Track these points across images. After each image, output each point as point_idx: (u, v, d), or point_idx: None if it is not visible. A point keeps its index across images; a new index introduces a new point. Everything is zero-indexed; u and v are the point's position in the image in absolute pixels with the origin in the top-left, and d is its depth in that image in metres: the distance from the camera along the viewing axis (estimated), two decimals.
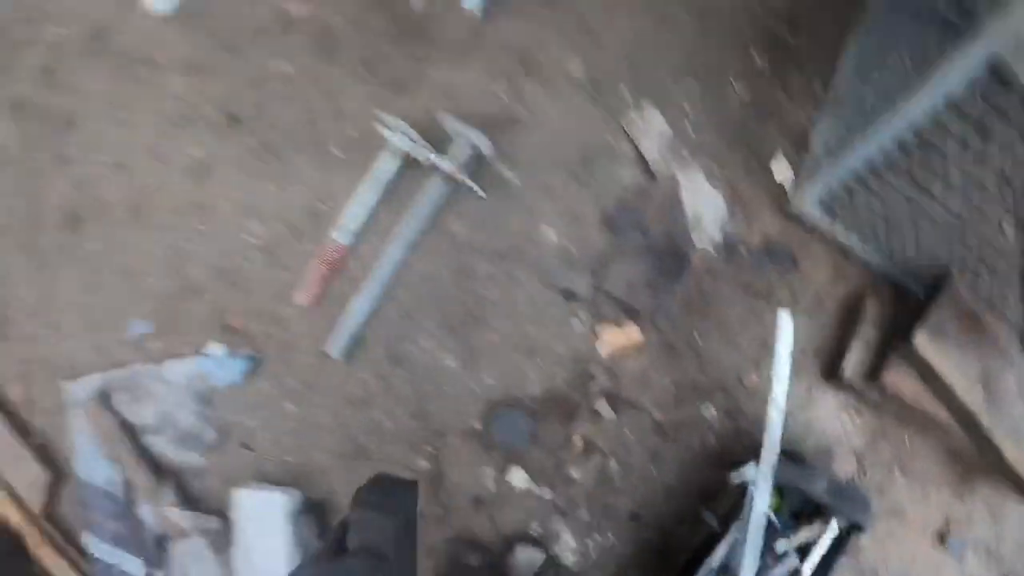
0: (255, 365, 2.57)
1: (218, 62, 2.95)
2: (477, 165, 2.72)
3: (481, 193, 2.71)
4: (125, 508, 2.48)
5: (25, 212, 2.87)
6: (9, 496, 2.53)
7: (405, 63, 2.88)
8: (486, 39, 2.91)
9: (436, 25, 2.92)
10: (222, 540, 2.48)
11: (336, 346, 2.58)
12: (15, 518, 2.51)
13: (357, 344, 2.62)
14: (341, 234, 2.65)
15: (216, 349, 2.60)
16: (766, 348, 2.83)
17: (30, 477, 2.53)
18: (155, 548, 2.50)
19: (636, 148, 2.94)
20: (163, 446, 2.57)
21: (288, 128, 2.83)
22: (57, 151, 2.94)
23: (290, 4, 2.91)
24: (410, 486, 1.30)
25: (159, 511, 2.47)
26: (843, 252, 2.98)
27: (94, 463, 2.49)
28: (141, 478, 2.48)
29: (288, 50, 2.90)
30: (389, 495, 1.23)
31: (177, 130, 2.89)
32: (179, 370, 2.60)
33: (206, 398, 2.59)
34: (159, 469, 2.54)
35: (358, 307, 2.60)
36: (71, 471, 2.52)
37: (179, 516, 2.46)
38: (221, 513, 2.51)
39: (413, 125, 2.59)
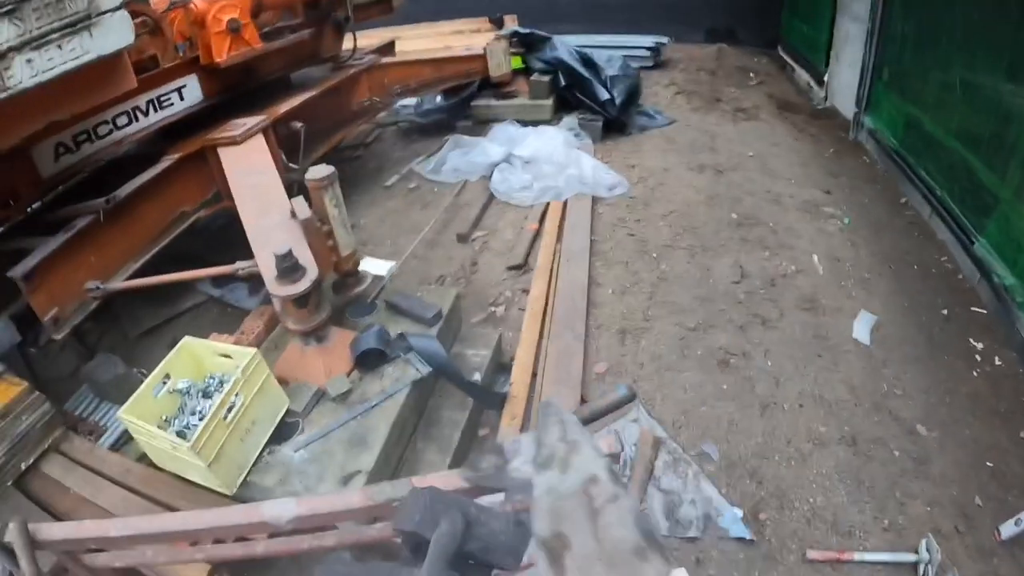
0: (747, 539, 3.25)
1: (861, 396, 4.05)
2: None
3: None
4: None
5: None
6: None
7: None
8: None
9: None
10: None
11: None
12: None
13: None
14: None
15: (737, 512, 3.37)
16: None
17: None
18: None
19: None
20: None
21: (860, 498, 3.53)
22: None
23: (920, 426, 3.85)
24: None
25: None
26: None
27: None
28: None
29: (913, 445, 3.74)
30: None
31: (818, 414, 4.00)
32: (710, 490, 3.45)
33: (710, 522, 3.33)
34: None
35: None
36: None
37: None
38: None
39: None
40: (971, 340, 4.48)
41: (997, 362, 4.29)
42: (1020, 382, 4.13)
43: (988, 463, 3.62)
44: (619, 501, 1.30)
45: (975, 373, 4.22)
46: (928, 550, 3.12)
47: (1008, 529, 3.24)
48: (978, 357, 4.34)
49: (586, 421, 1.62)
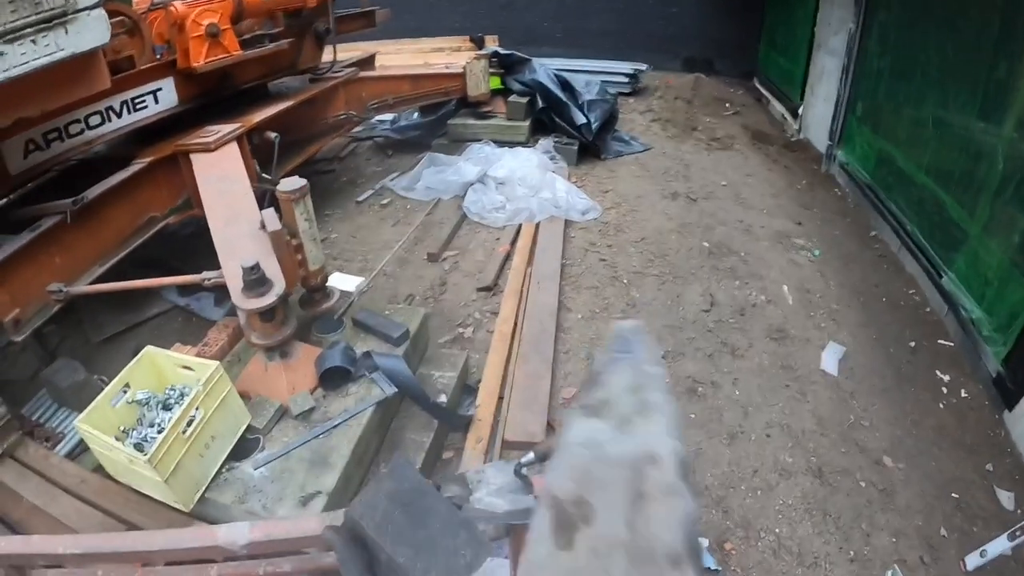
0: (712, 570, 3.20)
1: (828, 426, 4.03)
2: None
3: None
4: None
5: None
6: None
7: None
8: None
9: None
10: None
11: None
12: None
13: None
14: None
15: (703, 541, 3.32)
16: None
17: None
18: None
19: None
20: None
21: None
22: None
23: (886, 458, 3.86)
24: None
25: None
26: None
27: None
28: None
29: (879, 476, 3.73)
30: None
31: (785, 444, 3.99)
32: None
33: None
34: None
35: None
36: None
37: None
38: None
39: None
40: (938, 372, 4.53)
41: (963, 394, 4.33)
42: (986, 414, 4.17)
43: (953, 494, 3.63)
44: (675, 498, 1.05)
45: (941, 405, 4.25)
46: None
47: (973, 560, 3.25)
48: (944, 389, 4.38)
49: (549, 456, 1.52)
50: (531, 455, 1.49)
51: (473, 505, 1.43)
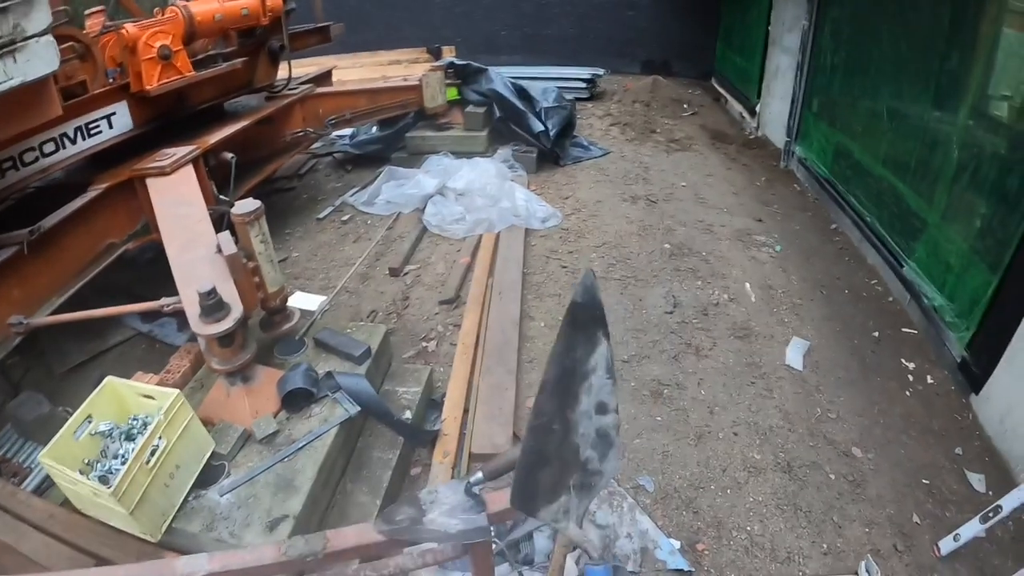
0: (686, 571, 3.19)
1: (796, 421, 4.04)
2: None
3: None
4: None
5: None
6: None
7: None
8: None
9: None
10: None
11: None
12: None
13: None
14: None
15: (674, 543, 3.32)
16: None
17: None
18: None
19: None
20: None
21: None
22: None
23: (855, 448, 3.88)
24: None
25: None
26: None
27: None
28: None
29: (848, 467, 3.75)
30: None
31: (753, 441, 4.01)
32: (647, 522, 3.40)
33: (648, 555, 3.25)
34: None
35: None
36: None
37: None
38: None
39: None
40: (903, 360, 4.59)
41: (929, 381, 4.40)
42: (952, 399, 4.24)
43: (924, 481, 3.68)
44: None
45: (908, 393, 4.31)
46: (868, 571, 3.16)
47: (947, 545, 3.28)
48: (910, 377, 4.44)
49: (497, 474, 1.56)
50: (479, 474, 1.50)
51: (427, 526, 1.43)
